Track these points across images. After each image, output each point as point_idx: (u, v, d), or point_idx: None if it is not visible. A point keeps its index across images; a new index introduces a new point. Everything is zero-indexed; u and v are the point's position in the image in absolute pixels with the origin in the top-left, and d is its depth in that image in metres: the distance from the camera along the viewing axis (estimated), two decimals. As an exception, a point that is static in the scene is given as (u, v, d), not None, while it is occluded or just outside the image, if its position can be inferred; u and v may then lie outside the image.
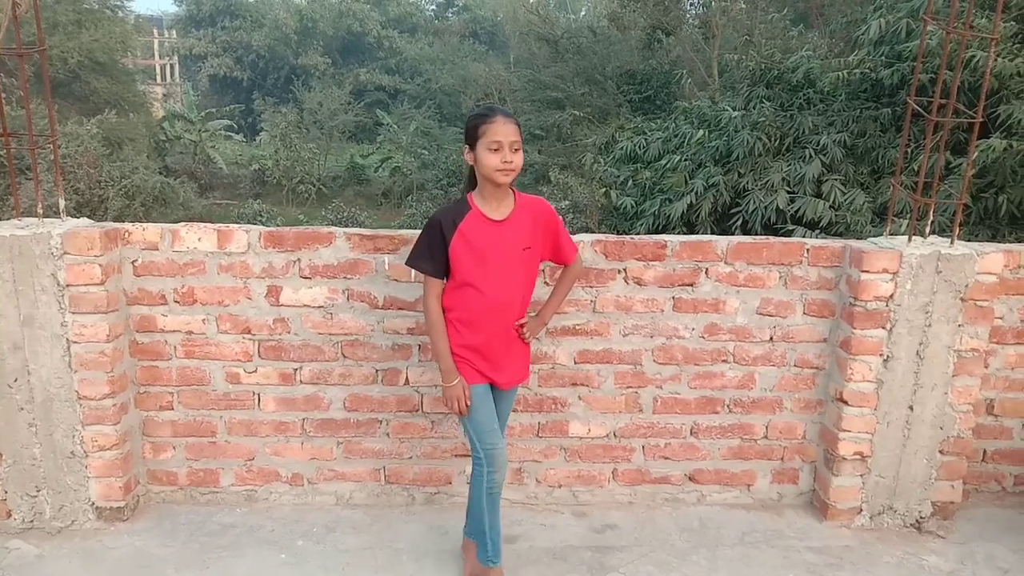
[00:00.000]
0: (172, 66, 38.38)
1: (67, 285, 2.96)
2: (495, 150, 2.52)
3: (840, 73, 8.65)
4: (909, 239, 3.26)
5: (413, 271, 3.13)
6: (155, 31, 38.03)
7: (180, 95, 34.70)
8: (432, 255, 2.62)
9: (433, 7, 45.89)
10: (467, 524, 2.92)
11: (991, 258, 3.14)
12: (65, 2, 21.52)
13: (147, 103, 27.42)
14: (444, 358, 2.67)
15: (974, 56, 6.68)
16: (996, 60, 6.53)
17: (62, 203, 3.18)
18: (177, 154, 25.27)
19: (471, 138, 2.57)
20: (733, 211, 8.97)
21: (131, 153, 19.44)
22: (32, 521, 3.16)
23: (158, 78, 36.56)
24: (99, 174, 16.90)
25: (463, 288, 2.62)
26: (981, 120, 3.24)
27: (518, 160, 2.55)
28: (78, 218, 3.20)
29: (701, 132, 10.01)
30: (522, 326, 2.74)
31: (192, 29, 39.19)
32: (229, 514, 3.33)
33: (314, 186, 24.51)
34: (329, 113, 27.98)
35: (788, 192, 8.52)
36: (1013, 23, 7.06)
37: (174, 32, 39.34)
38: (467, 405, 2.67)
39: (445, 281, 2.67)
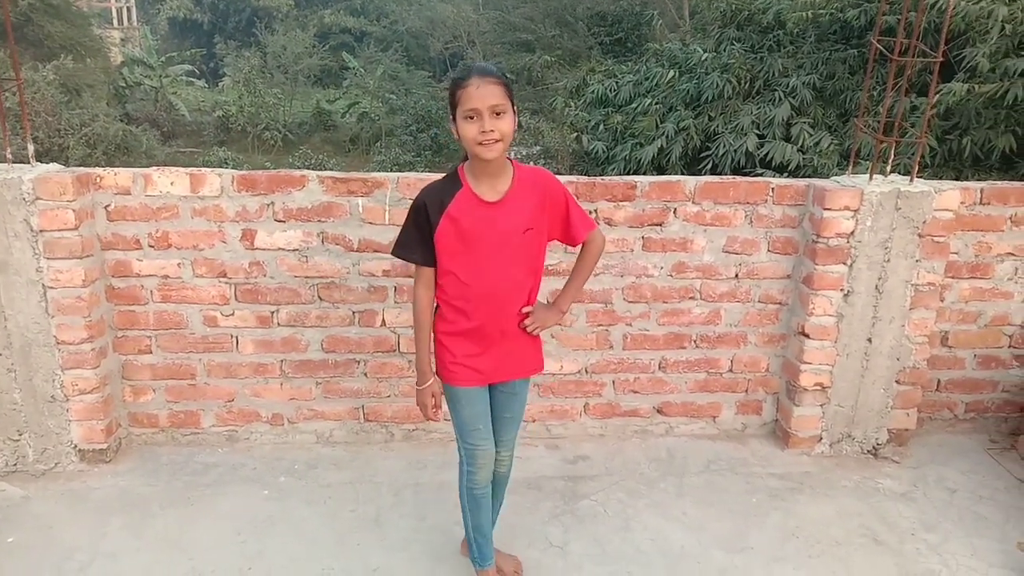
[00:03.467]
0: (129, 9, 37.03)
1: (40, 231, 2.95)
2: (472, 119, 2.13)
3: (805, 13, 8.63)
4: (870, 178, 3.35)
5: (388, 213, 3.15)
6: (109, -29, 36.58)
7: (139, 39, 33.57)
8: (422, 241, 2.28)
9: (399, -55, 44.61)
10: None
11: (948, 195, 3.25)
12: (13, -60, 20.61)
13: (104, 48, 26.53)
14: (420, 358, 2.40)
15: (940, -3, 6.74)
16: (964, 5, 6.58)
17: (31, 148, 3.15)
18: (138, 101, 24.59)
19: (452, 108, 2.19)
20: (703, 155, 9.03)
21: (90, 100, 18.91)
22: (15, 464, 3.21)
23: (115, 22, 35.31)
24: (58, 122, 16.47)
25: (446, 276, 2.31)
26: (942, 61, 3.31)
27: (502, 126, 2.13)
28: (48, 164, 3.18)
29: (672, 72, 9.98)
30: (526, 315, 2.40)
31: (148, -31, 37.79)
32: (211, 454, 3.41)
33: (280, 132, 24.07)
34: (293, 57, 27.33)
35: (758, 135, 8.58)
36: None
37: (130, -27, 37.87)
38: (437, 408, 2.44)
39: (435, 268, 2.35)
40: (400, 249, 2.34)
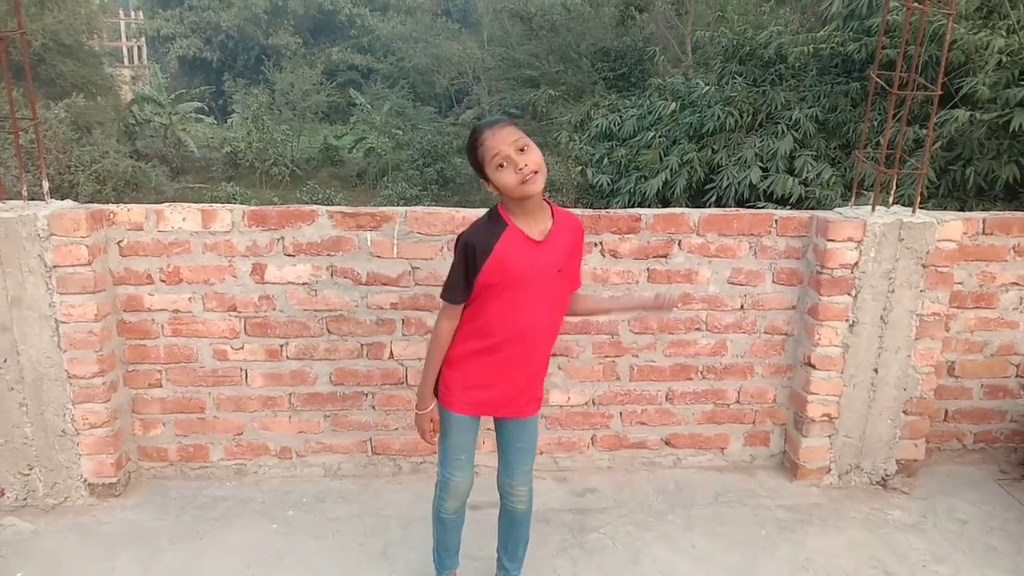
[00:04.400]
0: (140, 48, 37.70)
1: (54, 266, 3.00)
2: (503, 166, 2.15)
3: (806, 48, 8.76)
4: (873, 209, 3.39)
5: (396, 246, 3.19)
6: (121, 12, 37.30)
7: (149, 77, 34.11)
8: (467, 282, 2.27)
9: (405, -16, 45.40)
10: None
11: (950, 226, 3.28)
12: (28, -18, 21.06)
13: (115, 86, 26.96)
14: (427, 382, 2.41)
15: (939, 29, 6.83)
16: (963, 34, 6.67)
17: (46, 185, 3.21)
18: (147, 137, 24.94)
19: (479, 169, 2.21)
20: (707, 187, 9.10)
21: (100, 137, 19.20)
22: (25, 499, 3.22)
23: (125, 60, 35.92)
24: (68, 159, 16.72)
25: (479, 311, 2.31)
26: (941, 93, 3.36)
27: (533, 157, 2.15)
28: (62, 201, 3.24)
29: (675, 105, 10.09)
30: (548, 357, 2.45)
31: (159, 10, 38.48)
32: (219, 488, 3.41)
33: (287, 168, 24.32)
34: (301, 94, 27.71)
35: (761, 168, 8.65)
36: (977, 0, 7.22)
37: (140, 13, 38.61)
38: (435, 433, 2.46)
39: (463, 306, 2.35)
40: (450, 292, 2.32)
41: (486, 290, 2.27)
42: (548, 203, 2.31)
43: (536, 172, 2.14)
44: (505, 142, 2.13)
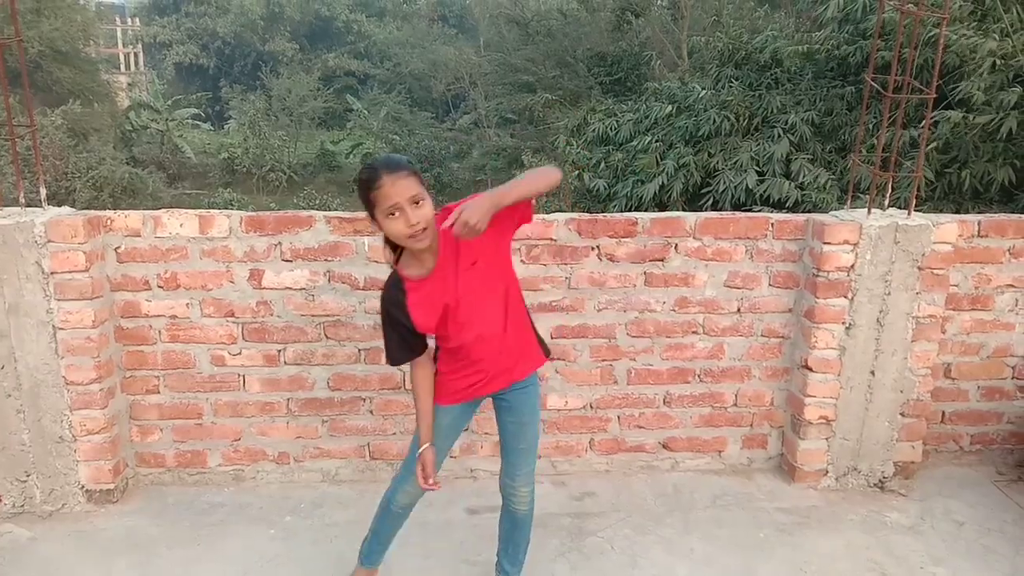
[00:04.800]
0: (136, 55, 37.74)
1: (52, 272, 3.00)
2: (393, 215, 2.12)
3: (799, 47, 8.79)
4: (868, 212, 3.40)
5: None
6: (117, 19, 37.34)
7: (145, 84, 34.17)
8: (410, 340, 2.35)
9: (401, -10, 45.50)
10: None
11: (946, 228, 3.29)
12: (24, -11, 21.09)
13: (112, 93, 27.03)
14: (421, 429, 2.44)
15: (932, 34, 6.86)
16: (957, 38, 6.70)
17: (43, 192, 3.22)
18: (144, 144, 24.97)
19: (369, 208, 2.17)
20: (704, 191, 9.11)
21: (97, 144, 19.23)
22: (23, 505, 3.22)
23: (122, 67, 35.94)
24: (65, 166, 16.73)
25: (443, 344, 2.40)
26: (935, 97, 3.37)
27: (423, 214, 2.12)
28: (59, 207, 3.24)
29: (670, 108, 10.11)
30: (512, 325, 2.38)
31: (155, 16, 38.54)
32: (217, 494, 3.41)
33: (284, 174, 24.36)
34: (298, 100, 27.76)
35: (757, 172, 8.67)
36: (969, 2, 7.25)
37: (137, 20, 38.64)
38: (426, 479, 2.42)
39: (432, 347, 2.44)
40: (396, 354, 2.37)
41: (436, 333, 2.35)
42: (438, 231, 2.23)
43: (425, 229, 2.14)
44: (403, 195, 2.09)
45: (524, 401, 2.49)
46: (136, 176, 18.33)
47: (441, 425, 2.48)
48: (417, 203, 2.12)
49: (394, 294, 2.30)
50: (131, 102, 28.22)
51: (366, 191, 2.14)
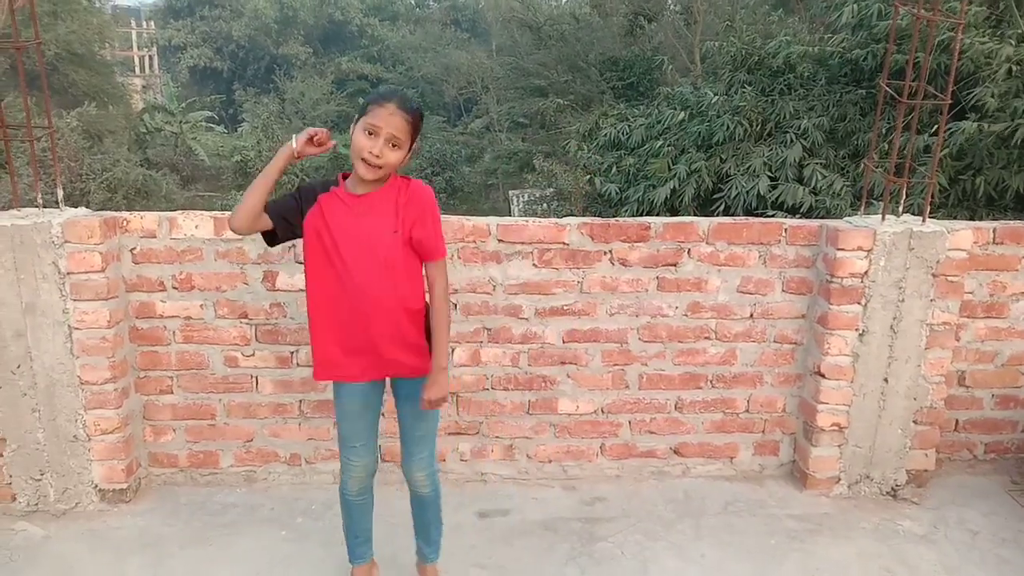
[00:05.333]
0: (151, 57, 38.03)
1: (68, 273, 3.03)
2: (370, 133, 2.22)
3: (809, 49, 8.77)
4: (883, 218, 3.38)
5: None
6: (133, 22, 37.65)
7: (160, 87, 34.42)
8: (282, 212, 2.35)
9: (414, -6, 45.72)
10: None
11: (961, 235, 3.27)
12: (41, -7, 21.29)
13: (126, 95, 27.23)
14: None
15: (946, 39, 6.83)
16: (971, 43, 6.67)
17: (60, 193, 3.25)
18: (158, 146, 25.11)
19: (360, 113, 2.28)
20: (716, 196, 9.10)
21: (112, 146, 19.35)
22: (37, 504, 3.24)
23: (137, 70, 36.25)
24: (80, 167, 16.82)
25: (317, 270, 2.36)
26: (950, 102, 3.36)
27: (390, 157, 2.23)
28: (75, 208, 3.27)
29: (682, 113, 10.11)
30: (399, 321, 2.36)
31: (171, 20, 38.84)
32: (229, 494, 3.43)
33: (297, 176, 24.42)
34: (311, 103, 27.94)
35: (770, 177, 8.64)
36: (985, 8, 7.22)
37: (152, 23, 38.94)
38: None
39: (274, 238, 2.41)
40: (270, 207, 2.33)
41: (317, 247, 2.32)
42: (399, 180, 2.35)
43: (378, 166, 2.23)
44: (388, 127, 2.21)
45: (422, 389, 2.45)
46: (150, 178, 18.43)
47: (351, 410, 2.52)
48: (393, 145, 2.23)
49: (319, 184, 2.37)
50: (145, 105, 28.43)
51: (369, 102, 2.27)
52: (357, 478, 2.61)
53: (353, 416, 2.54)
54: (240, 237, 3.24)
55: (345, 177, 2.42)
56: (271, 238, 2.43)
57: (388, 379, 2.55)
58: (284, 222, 2.37)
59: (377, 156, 2.22)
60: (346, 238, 2.30)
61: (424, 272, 2.43)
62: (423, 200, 2.37)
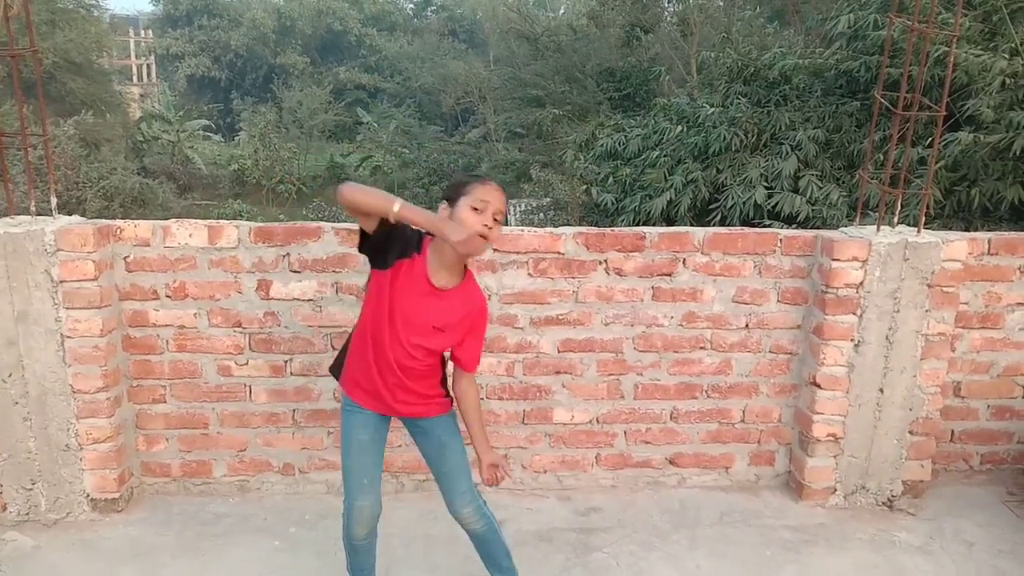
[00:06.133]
0: (149, 66, 38.04)
1: (61, 281, 3.02)
2: (478, 211, 2.18)
3: (804, 60, 8.81)
4: (878, 229, 3.39)
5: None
6: (131, 31, 37.68)
7: (157, 95, 34.43)
8: (396, 244, 2.27)
9: (412, 5, 45.91)
10: None
11: (956, 246, 3.28)
12: (38, 1, 21.31)
13: (124, 104, 27.21)
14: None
15: (941, 51, 6.86)
16: (965, 56, 6.70)
17: (54, 201, 3.24)
18: (155, 155, 25.14)
19: (455, 194, 2.23)
20: (712, 207, 9.11)
21: (109, 154, 19.34)
22: (28, 513, 3.22)
23: (135, 78, 36.24)
24: (76, 175, 16.81)
25: (369, 314, 2.35)
26: (945, 114, 3.37)
27: (496, 234, 2.23)
28: (69, 216, 3.26)
29: (680, 128, 10.14)
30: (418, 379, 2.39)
31: (169, 29, 38.93)
32: (222, 504, 3.41)
33: (294, 186, 24.50)
34: (309, 112, 27.96)
35: (766, 188, 8.66)
36: (978, 21, 7.25)
37: (150, 32, 39.00)
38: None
39: (371, 270, 2.34)
40: (386, 237, 2.24)
41: (376, 289, 2.30)
42: (469, 274, 2.38)
43: (488, 242, 2.21)
44: (497, 203, 2.21)
45: (436, 423, 2.51)
46: (147, 186, 18.41)
47: (360, 440, 2.49)
48: (497, 221, 2.23)
49: (414, 238, 2.29)
50: (143, 113, 28.43)
51: (468, 181, 2.25)
52: (364, 523, 2.54)
53: (361, 449, 2.49)
54: (233, 246, 3.23)
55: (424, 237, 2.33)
56: (363, 236, 2.31)
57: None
58: (380, 245, 2.27)
59: (488, 227, 2.19)
60: (404, 311, 2.29)
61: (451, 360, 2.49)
62: (482, 315, 2.43)
